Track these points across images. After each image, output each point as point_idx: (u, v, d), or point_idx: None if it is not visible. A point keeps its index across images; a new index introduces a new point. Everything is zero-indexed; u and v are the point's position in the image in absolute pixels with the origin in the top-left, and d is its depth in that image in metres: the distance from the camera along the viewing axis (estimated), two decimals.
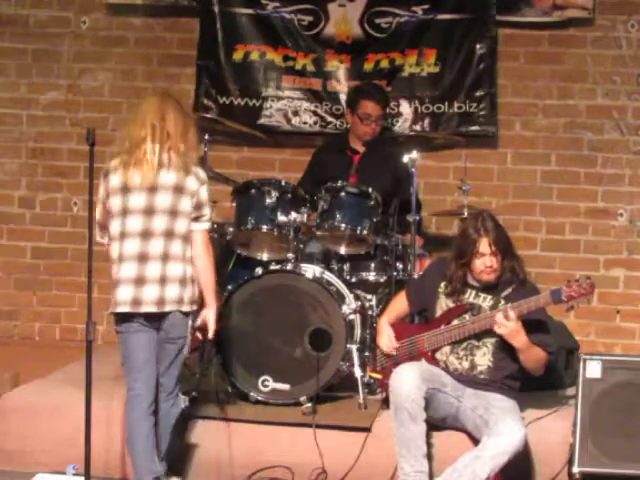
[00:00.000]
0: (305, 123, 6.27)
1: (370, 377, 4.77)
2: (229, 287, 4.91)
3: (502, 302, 4.37)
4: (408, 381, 4.18)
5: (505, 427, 4.10)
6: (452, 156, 6.12)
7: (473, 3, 6.08)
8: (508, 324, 4.21)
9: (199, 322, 4.16)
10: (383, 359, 4.60)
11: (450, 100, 6.12)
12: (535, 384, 4.58)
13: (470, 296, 4.44)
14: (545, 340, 4.35)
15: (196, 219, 4.09)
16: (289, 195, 5.01)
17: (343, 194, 5.01)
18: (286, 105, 6.26)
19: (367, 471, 4.40)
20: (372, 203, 5.01)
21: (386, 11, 6.13)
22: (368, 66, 6.18)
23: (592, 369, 4.30)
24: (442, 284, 4.50)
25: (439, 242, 5.96)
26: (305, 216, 4.99)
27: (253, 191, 5.03)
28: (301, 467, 4.41)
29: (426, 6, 6.09)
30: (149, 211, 4.02)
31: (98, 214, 4.14)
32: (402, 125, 6.18)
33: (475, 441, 4.27)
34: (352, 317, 4.81)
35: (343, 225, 4.98)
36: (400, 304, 4.69)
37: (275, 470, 4.43)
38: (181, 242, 4.05)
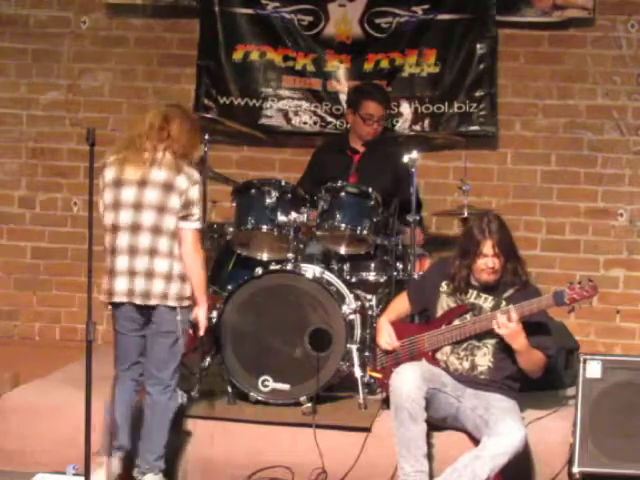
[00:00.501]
0: (305, 123, 6.27)
1: (370, 377, 4.77)
2: (229, 287, 4.92)
3: (503, 303, 4.37)
4: (409, 381, 4.18)
5: (505, 427, 4.11)
6: (452, 156, 6.12)
7: (473, 3, 6.08)
8: (509, 325, 4.21)
9: (192, 319, 4.25)
10: (383, 358, 4.60)
11: (450, 100, 6.12)
12: (535, 384, 4.57)
13: (471, 296, 4.44)
14: (545, 343, 4.35)
15: (184, 217, 4.15)
16: (289, 195, 5.01)
17: (343, 194, 5.01)
18: (286, 105, 6.26)
19: (367, 471, 4.40)
20: (372, 203, 5.01)
21: (386, 11, 6.13)
22: (368, 66, 6.18)
23: (592, 369, 4.30)
24: (443, 283, 4.50)
25: (439, 242, 5.96)
26: (305, 216, 4.99)
27: (253, 191, 5.03)
28: (301, 467, 4.41)
29: (426, 6, 6.09)
30: (138, 205, 4.12)
31: (101, 207, 4.24)
32: (402, 125, 6.17)
33: (475, 441, 4.27)
34: (352, 317, 4.81)
35: (343, 225, 4.98)
36: (401, 304, 4.69)
37: (275, 470, 4.43)
38: (168, 238, 4.13)
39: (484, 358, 4.39)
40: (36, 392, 4.84)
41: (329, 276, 4.94)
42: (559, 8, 6.03)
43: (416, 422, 4.15)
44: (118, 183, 4.15)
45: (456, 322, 4.42)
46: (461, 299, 4.44)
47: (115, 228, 4.16)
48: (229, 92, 6.26)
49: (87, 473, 3.95)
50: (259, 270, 4.82)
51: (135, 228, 4.12)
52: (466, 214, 5.12)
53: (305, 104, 6.26)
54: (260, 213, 4.95)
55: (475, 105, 6.10)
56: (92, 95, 6.40)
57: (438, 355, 4.44)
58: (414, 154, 5.08)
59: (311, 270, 4.86)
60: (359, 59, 6.18)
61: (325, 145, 5.98)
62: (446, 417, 4.37)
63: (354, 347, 4.75)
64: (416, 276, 4.99)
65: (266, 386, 4.72)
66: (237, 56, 6.25)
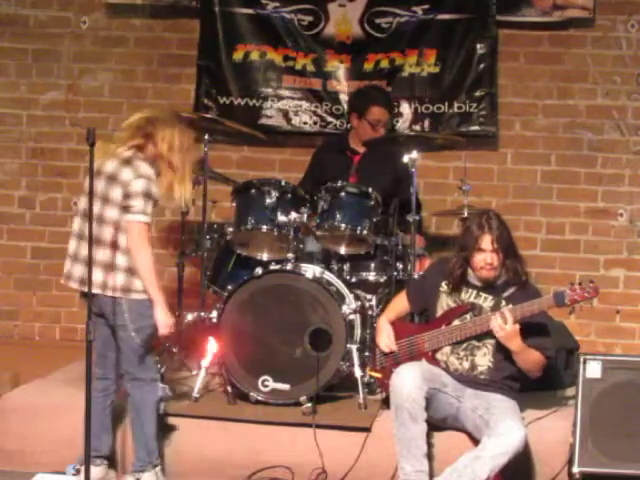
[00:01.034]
0: (305, 123, 6.27)
1: (370, 376, 4.77)
2: (229, 287, 4.92)
3: (503, 303, 4.37)
4: (409, 381, 4.17)
5: (505, 427, 4.10)
6: (452, 156, 6.12)
7: (473, 3, 6.08)
8: (505, 327, 4.21)
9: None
10: (383, 358, 4.60)
11: (450, 100, 6.13)
12: (535, 384, 4.57)
13: (471, 296, 4.44)
14: (544, 344, 4.35)
15: (126, 209, 4.15)
16: (289, 195, 5.01)
17: (343, 194, 5.01)
18: (286, 105, 6.26)
19: (367, 471, 4.40)
20: (372, 203, 5.01)
21: (386, 11, 6.14)
22: (368, 66, 6.18)
23: (592, 369, 4.29)
24: (443, 283, 4.50)
25: (439, 242, 5.97)
26: (305, 216, 4.99)
27: (253, 191, 5.03)
28: (301, 467, 4.41)
29: (426, 6, 6.09)
30: (89, 194, 4.09)
31: None
32: (402, 125, 6.18)
33: (475, 441, 4.27)
34: (352, 317, 4.81)
35: (343, 225, 4.98)
36: (400, 304, 4.69)
37: (275, 470, 4.42)
38: (111, 229, 4.16)
39: (484, 358, 4.38)
40: (36, 392, 4.84)
41: (329, 276, 4.94)
42: (559, 8, 6.03)
43: (416, 422, 4.15)
44: (87, 172, 4.18)
45: (456, 322, 4.42)
46: (460, 297, 4.44)
47: (77, 213, 4.31)
48: (229, 92, 6.26)
49: (87, 473, 3.94)
50: (259, 270, 4.82)
51: (85, 215, 4.14)
52: (466, 214, 5.12)
53: (305, 104, 6.26)
54: (260, 213, 4.95)
55: (475, 105, 6.11)
56: (92, 95, 6.41)
57: (438, 355, 4.44)
58: (414, 154, 5.08)
59: (311, 270, 4.86)
60: (359, 59, 6.19)
61: (325, 145, 5.98)
62: (446, 417, 4.37)
63: (354, 347, 4.74)
64: (416, 276, 4.99)
65: (266, 386, 4.72)
66: (237, 56, 6.25)
